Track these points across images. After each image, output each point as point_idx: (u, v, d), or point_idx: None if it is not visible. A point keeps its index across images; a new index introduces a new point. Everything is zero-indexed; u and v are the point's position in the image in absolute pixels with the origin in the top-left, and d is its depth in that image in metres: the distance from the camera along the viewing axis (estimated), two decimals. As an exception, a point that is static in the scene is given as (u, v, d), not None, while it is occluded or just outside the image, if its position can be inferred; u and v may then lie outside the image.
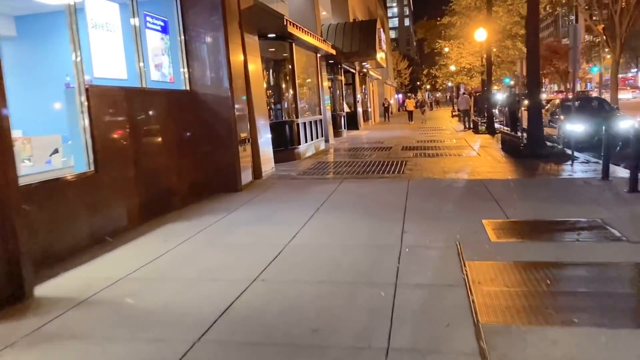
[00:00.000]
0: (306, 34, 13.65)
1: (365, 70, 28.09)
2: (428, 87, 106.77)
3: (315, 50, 15.91)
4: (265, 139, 10.83)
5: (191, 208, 7.56)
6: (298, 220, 6.39)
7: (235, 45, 9.31)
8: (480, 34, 21.31)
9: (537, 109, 12.48)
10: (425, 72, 38.34)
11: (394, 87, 62.90)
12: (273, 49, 13.06)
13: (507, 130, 17.30)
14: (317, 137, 15.67)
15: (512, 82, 32.28)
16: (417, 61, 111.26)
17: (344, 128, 21.27)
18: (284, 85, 13.50)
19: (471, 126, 22.64)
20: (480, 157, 12.56)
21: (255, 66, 10.55)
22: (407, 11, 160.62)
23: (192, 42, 8.73)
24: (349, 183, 9.52)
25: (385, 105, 31.94)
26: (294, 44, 13.26)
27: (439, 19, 39.76)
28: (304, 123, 14.05)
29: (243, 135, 9.39)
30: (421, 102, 37.53)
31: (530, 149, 11.66)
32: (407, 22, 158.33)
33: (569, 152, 10.66)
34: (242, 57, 9.75)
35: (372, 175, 10.38)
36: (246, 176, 9.41)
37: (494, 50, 23.99)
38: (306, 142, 14.11)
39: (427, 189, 8.51)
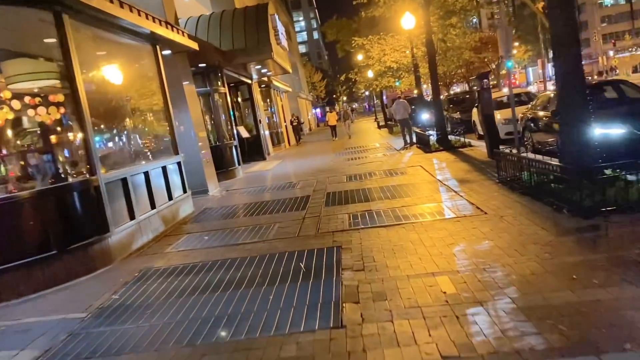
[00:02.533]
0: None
1: (266, 78, 21.35)
2: (344, 98, 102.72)
3: (153, 40, 8.88)
4: None
5: None
6: None
7: None
8: (408, 20, 15.34)
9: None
10: (343, 77, 31.33)
11: (310, 101, 56.89)
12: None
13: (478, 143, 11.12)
14: (172, 197, 8.57)
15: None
16: (330, 74, 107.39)
17: (238, 164, 14.29)
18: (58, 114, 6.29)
19: (414, 141, 16.57)
20: (499, 221, 5.91)
21: None
22: (314, 24, 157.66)
23: None
24: None
25: (294, 124, 25.16)
26: (68, 16, 6.15)
27: (355, 18, 34.14)
28: (125, 180, 6.89)
29: None
30: (344, 114, 31.23)
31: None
32: (315, 35, 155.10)
33: None
34: None
35: (262, 326, 3.54)
36: None
37: (436, 32, 18.05)
38: (133, 218, 6.95)
39: None
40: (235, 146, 14.33)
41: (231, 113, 15.21)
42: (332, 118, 29.61)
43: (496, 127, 11.24)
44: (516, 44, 49.10)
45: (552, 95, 10.70)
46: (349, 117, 30.19)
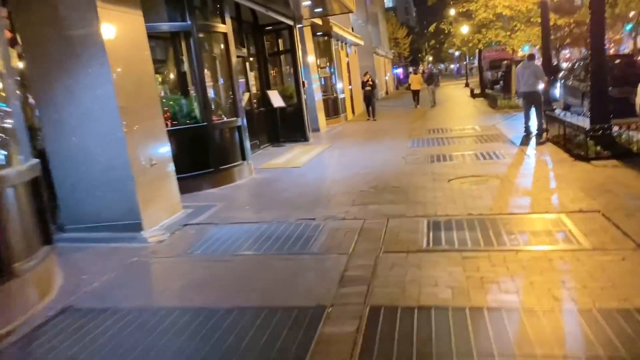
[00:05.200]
0: None
1: (320, 22, 15.06)
2: (430, 58, 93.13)
3: None
4: None
5: None
6: None
7: None
8: None
9: None
10: (432, 28, 24.02)
11: (390, 59, 49.54)
12: None
13: None
14: None
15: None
16: (417, 31, 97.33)
17: (244, 158, 8.46)
18: None
19: (544, 129, 9.96)
20: None
21: None
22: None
23: None
24: None
25: (367, 88, 18.00)
26: None
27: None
28: None
29: None
30: (429, 75, 23.96)
31: None
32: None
33: None
34: None
35: None
36: None
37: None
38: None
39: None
40: (240, 127, 8.46)
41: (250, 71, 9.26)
42: (415, 81, 23.25)
43: None
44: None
45: None
46: (434, 81, 23.29)
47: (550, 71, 15.04)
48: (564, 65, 23.98)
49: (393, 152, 10.04)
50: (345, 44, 21.03)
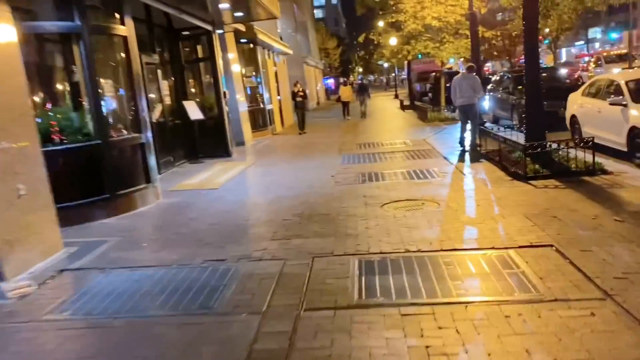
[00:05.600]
0: None
1: (243, 27, 14.05)
2: (360, 69, 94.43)
3: None
4: None
5: None
6: None
7: None
8: None
9: None
10: (361, 38, 23.44)
11: (320, 70, 49.30)
12: None
13: None
14: None
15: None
16: (347, 42, 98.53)
17: (149, 181, 7.27)
18: None
19: (477, 144, 9.61)
20: None
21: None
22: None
23: None
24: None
25: (299, 99, 16.93)
26: None
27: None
28: None
29: None
30: (360, 86, 23.46)
31: None
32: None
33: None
34: None
35: None
36: None
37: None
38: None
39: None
40: (144, 144, 7.28)
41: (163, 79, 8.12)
42: (346, 93, 22.74)
43: None
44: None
45: None
46: (366, 92, 22.89)
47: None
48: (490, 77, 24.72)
49: (322, 170, 9.21)
50: (273, 52, 20.15)
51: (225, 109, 11.78)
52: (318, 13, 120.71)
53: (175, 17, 10.63)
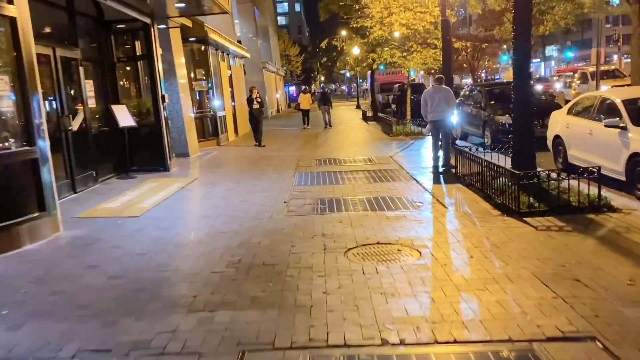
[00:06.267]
0: None
1: (189, 24, 12.33)
2: (322, 78, 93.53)
3: None
4: None
5: None
6: None
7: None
8: None
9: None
10: (324, 44, 21.91)
11: (281, 77, 47.80)
12: None
13: None
14: None
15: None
16: (310, 51, 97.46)
17: (44, 209, 5.52)
18: None
19: (449, 164, 8.39)
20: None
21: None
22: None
23: None
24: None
25: (255, 106, 14.94)
26: None
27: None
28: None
29: None
30: (322, 95, 21.97)
31: None
32: (297, 7, 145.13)
33: None
34: None
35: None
36: None
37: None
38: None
39: None
40: (36, 160, 5.54)
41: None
42: (305, 101, 21.93)
43: None
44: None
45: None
46: (328, 101, 21.66)
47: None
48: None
49: (273, 193, 7.68)
50: (228, 54, 18.48)
51: (164, 115, 10.07)
52: (281, 20, 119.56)
53: (107, 7, 8.91)
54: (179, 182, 8.89)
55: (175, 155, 12.06)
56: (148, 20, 9.78)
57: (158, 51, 10.07)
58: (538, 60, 67.81)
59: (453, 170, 8.76)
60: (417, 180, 8.32)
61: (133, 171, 9.86)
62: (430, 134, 10.26)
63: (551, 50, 73.05)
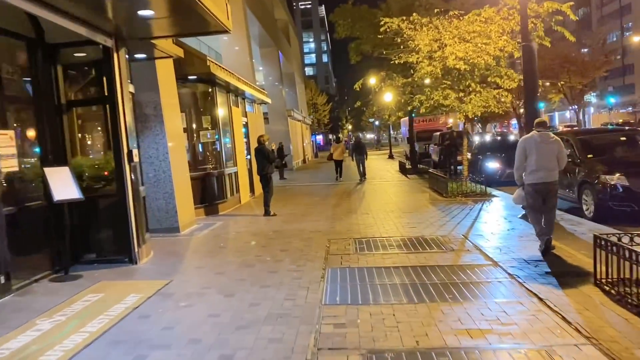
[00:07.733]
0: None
1: (180, 54, 9.21)
2: (350, 126, 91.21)
3: None
4: None
5: None
6: None
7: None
8: None
9: None
10: (358, 85, 18.62)
11: (308, 125, 45.12)
12: None
13: None
14: None
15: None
16: (337, 100, 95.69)
17: None
18: None
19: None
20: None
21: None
22: (325, 47, 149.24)
23: None
24: None
25: (261, 152, 10.90)
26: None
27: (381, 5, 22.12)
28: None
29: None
30: (357, 144, 19.19)
31: None
32: (325, 58, 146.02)
33: None
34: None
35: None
36: None
37: None
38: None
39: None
40: None
41: None
42: (338, 151, 19.51)
43: None
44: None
45: None
46: (363, 151, 19.18)
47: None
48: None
49: (287, 328, 4.17)
50: (244, 99, 15.47)
51: (130, 177, 6.75)
52: (309, 71, 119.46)
53: (47, 24, 5.86)
54: (136, 294, 5.42)
55: (163, 230, 8.74)
56: (109, 43, 6.64)
57: (126, 88, 6.87)
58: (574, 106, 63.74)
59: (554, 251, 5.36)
60: (522, 282, 4.74)
61: (82, 263, 6.51)
62: (523, 203, 6.78)
63: (589, 97, 68.88)
